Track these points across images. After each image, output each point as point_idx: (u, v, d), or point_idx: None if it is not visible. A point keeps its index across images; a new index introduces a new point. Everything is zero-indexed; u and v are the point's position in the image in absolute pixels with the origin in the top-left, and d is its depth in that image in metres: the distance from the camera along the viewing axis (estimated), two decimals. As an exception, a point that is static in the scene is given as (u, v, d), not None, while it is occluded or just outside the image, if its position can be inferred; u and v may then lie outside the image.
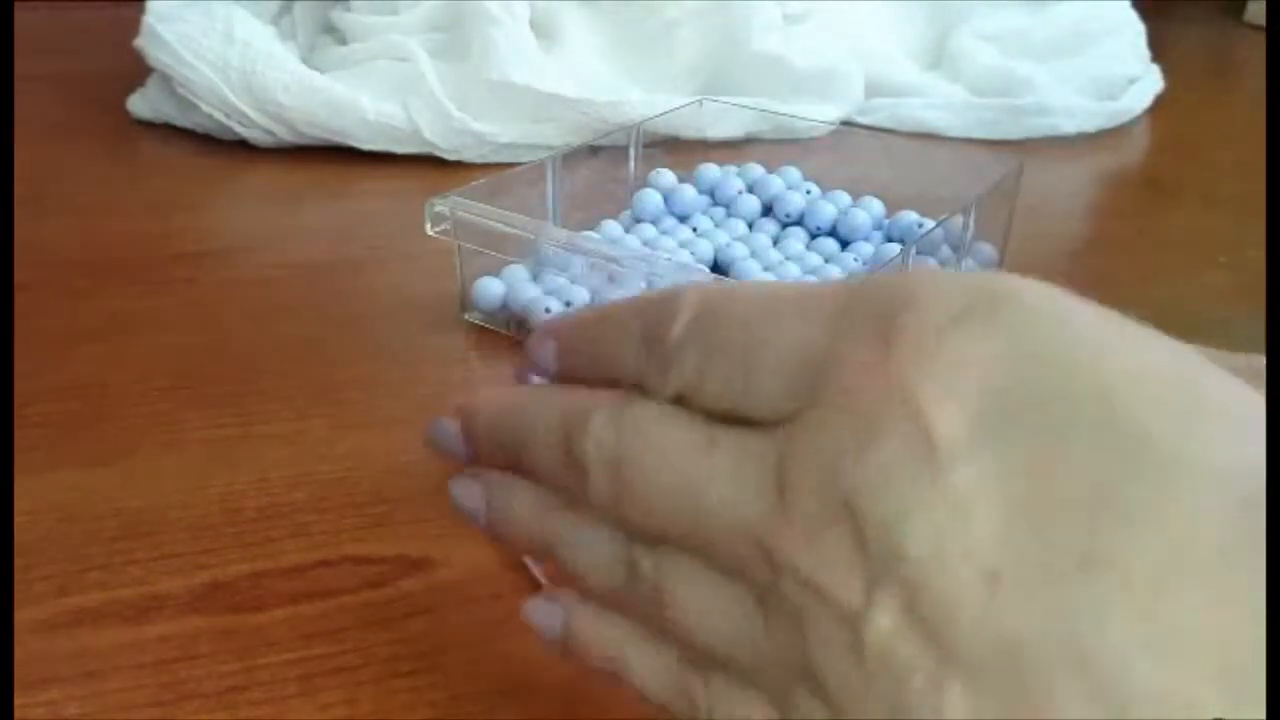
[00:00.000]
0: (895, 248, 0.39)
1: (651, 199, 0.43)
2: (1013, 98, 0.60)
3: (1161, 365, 0.13)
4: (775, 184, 0.44)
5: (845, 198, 0.43)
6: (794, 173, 0.45)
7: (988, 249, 0.41)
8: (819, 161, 0.46)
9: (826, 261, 0.40)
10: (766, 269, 0.39)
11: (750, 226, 0.43)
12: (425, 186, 0.42)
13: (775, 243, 0.42)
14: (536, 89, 0.51)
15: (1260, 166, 0.54)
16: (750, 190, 0.44)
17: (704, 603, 0.16)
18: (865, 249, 0.40)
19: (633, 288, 0.33)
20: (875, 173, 0.45)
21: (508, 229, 0.34)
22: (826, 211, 0.42)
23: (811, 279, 0.38)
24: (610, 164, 0.45)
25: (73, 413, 0.32)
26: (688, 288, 0.17)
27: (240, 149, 0.53)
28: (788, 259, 0.40)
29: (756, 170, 0.45)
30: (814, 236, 0.42)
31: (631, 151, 0.45)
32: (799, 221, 0.43)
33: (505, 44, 0.52)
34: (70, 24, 0.75)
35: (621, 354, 0.17)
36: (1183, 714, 0.11)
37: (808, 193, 0.43)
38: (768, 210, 0.43)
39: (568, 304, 0.35)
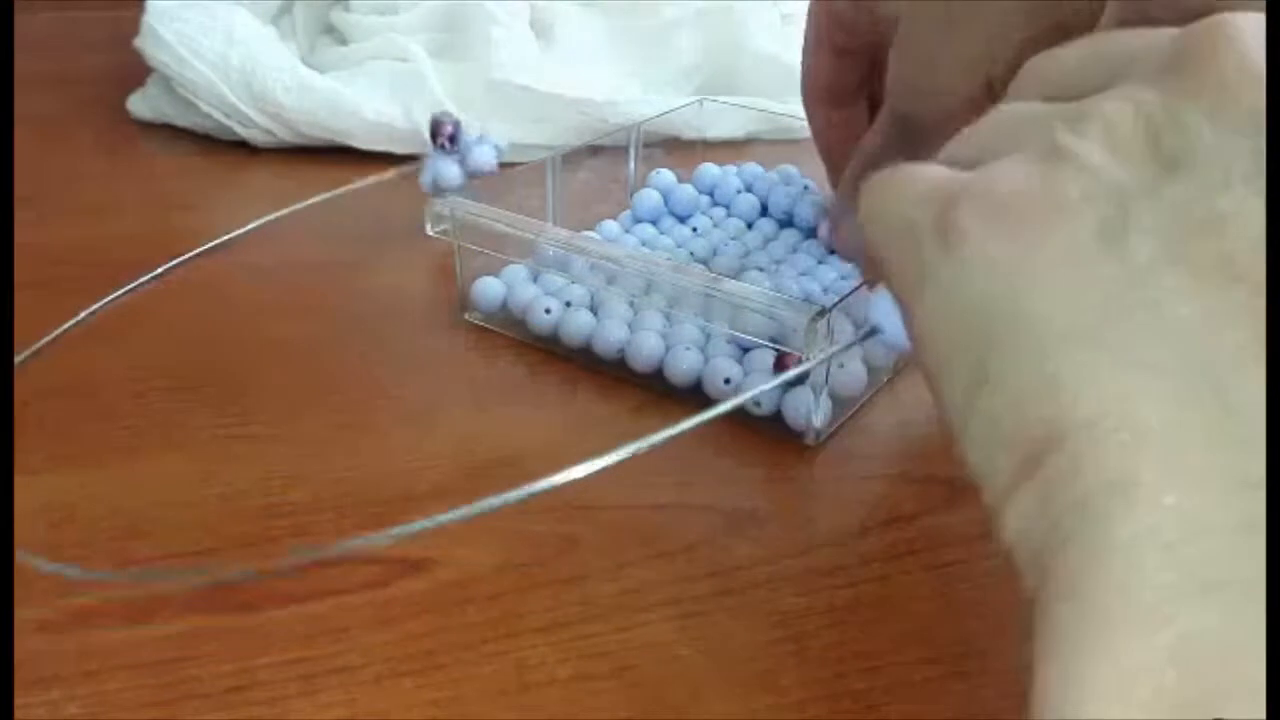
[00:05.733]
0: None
1: (651, 199, 0.43)
2: (1012, 97, 0.60)
3: None
4: (772, 182, 0.44)
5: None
6: (793, 171, 0.45)
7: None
8: (819, 161, 0.46)
9: (820, 263, 0.40)
10: (765, 269, 0.39)
11: (749, 226, 0.43)
12: (425, 186, 0.42)
13: (773, 241, 0.42)
14: (536, 89, 0.51)
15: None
16: (749, 190, 0.44)
17: None
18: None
19: (632, 287, 0.33)
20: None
21: (508, 229, 0.34)
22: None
23: (810, 280, 0.38)
24: (610, 164, 0.45)
25: (73, 413, 0.32)
26: None
27: (240, 149, 0.53)
28: (786, 259, 0.40)
29: (755, 170, 0.45)
30: (810, 236, 0.42)
31: (631, 151, 0.45)
32: (793, 221, 0.43)
33: (505, 44, 0.52)
34: (70, 24, 0.75)
35: None
36: None
37: (805, 188, 0.43)
38: (766, 210, 0.43)
39: (568, 304, 0.35)
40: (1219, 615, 0.12)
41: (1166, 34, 0.17)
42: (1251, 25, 0.16)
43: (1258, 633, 0.12)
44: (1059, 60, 0.19)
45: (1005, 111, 0.19)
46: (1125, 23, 0.20)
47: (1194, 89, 0.15)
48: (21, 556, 0.25)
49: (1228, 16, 0.16)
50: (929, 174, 0.18)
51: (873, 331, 0.22)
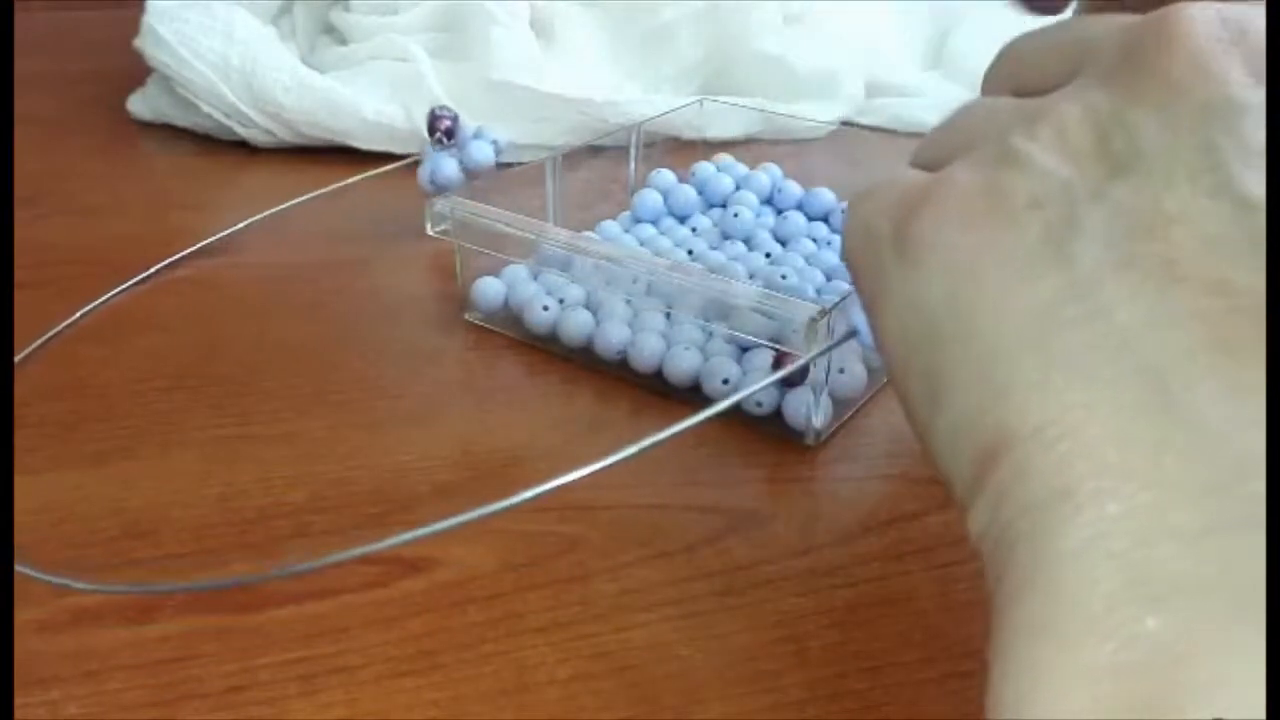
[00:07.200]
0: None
1: (651, 199, 0.43)
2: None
3: None
4: (761, 180, 0.44)
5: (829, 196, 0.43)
6: (776, 170, 0.45)
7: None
8: (819, 161, 0.46)
9: (808, 263, 0.40)
10: (763, 270, 0.39)
11: (745, 225, 0.43)
12: (425, 186, 0.42)
13: (769, 239, 0.42)
14: (536, 89, 0.51)
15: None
16: (744, 189, 0.44)
17: None
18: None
19: (632, 288, 0.33)
20: (875, 173, 0.44)
21: (508, 229, 0.34)
22: (821, 203, 0.42)
23: (804, 286, 0.38)
24: (610, 164, 0.45)
25: (73, 413, 0.32)
26: None
27: (240, 149, 0.53)
28: (782, 258, 0.40)
29: (743, 169, 0.45)
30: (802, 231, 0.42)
31: (631, 151, 0.45)
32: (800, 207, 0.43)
33: (505, 44, 0.52)
34: (70, 24, 0.75)
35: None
36: None
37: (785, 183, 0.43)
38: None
39: (560, 301, 0.35)
40: (1172, 620, 0.12)
41: (1122, 25, 0.16)
42: (1205, 15, 0.15)
43: (1215, 636, 0.11)
44: (1030, 46, 0.19)
45: (971, 108, 0.18)
46: (1096, 7, 0.20)
47: (1142, 87, 0.15)
48: (20, 568, 0.25)
49: (1179, 8, 0.15)
50: (902, 181, 0.18)
51: (852, 333, 0.23)
